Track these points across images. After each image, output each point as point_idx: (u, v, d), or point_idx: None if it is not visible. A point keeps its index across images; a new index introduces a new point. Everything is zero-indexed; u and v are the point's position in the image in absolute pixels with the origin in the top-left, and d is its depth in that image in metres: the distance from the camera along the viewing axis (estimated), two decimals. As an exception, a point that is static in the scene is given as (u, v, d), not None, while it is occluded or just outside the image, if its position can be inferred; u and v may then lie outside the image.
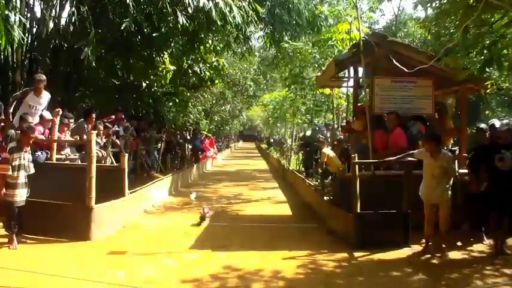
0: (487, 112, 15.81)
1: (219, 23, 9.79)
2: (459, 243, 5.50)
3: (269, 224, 7.08)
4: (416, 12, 21.25)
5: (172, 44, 10.37)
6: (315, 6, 15.10)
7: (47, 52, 9.87)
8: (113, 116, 9.79)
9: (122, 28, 8.81)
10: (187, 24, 9.62)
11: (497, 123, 6.48)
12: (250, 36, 14.78)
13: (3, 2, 7.24)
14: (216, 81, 15.11)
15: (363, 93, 7.89)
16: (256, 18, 11.42)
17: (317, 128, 15.69)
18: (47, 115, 7.00)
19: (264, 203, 9.58)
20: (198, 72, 12.92)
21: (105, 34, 9.08)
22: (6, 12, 7.01)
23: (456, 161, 6.98)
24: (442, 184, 5.09)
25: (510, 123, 6.70)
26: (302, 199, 9.54)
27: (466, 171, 6.01)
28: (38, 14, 10.16)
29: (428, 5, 5.37)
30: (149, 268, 4.57)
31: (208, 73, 13.42)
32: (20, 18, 8.82)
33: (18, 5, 9.74)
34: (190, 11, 9.68)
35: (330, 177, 8.90)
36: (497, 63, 4.54)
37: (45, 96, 6.93)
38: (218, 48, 12.66)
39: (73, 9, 8.74)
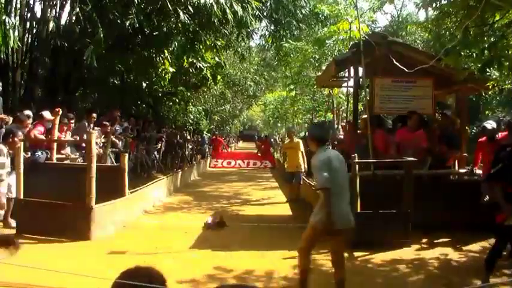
0: (487, 112, 15.79)
1: (216, 22, 9.78)
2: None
3: (269, 224, 7.07)
4: (417, 15, 21.27)
5: (172, 44, 10.37)
6: (315, 5, 15.08)
7: (47, 52, 9.88)
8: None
9: (128, 25, 8.81)
10: (188, 23, 9.61)
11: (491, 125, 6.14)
12: (253, 33, 14.71)
13: (3, 5, 7.26)
14: (219, 77, 15.05)
15: (363, 93, 7.88)
16: (259, 8, 11.32)
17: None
18: (47, 115, 7.01)
19: (264, 203, 9.58)
20: (199, 69, 12.85)
21: (106, 34, 9.08)
22: (4, 16, 7.00)
23: (457, 162, 7.02)
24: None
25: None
26: (302, 199, 9.53)
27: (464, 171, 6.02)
28: (38, 14, 10.17)
29: (429, 6, 5.36)
30: (149, 268, 4.57)
31: (208, 72, 13.39)
32: (18, 19, 8.82)
33: (18, 6, 9.75)
34: (191, 10, 9.68)
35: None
36: (497, 64, 4.54)
37: None
38: (217, 45, 12.63)
39: (77, 9, 8.73)
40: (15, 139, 5.26)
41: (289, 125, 23.23)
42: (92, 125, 8.51)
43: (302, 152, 9.10)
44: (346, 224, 3.55)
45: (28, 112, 6.83)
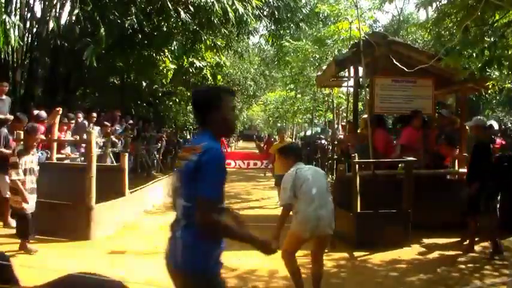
0: (487, 111, 15.80)
1: (217, 22, 9.76)
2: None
3: (269, 224, 7.06)
4: (417, 14, 21.25)
5: (173, 43, 10.36)
6: (315, 4, 15.06)
7: (47, 52, 9.88)
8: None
9: (127, 25, 8.82)
10: (188, 22, 9.59)
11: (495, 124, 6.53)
12: (253, 32, 14.66)
13: (3, 4, 7.26)
14: (219, 77, 15.00)
15: (363, 92, 7.88)
16: (259, 7, 11.28)
17: (318, 130, 15.61)
18: (43, 115, 7.03)
19: (264, 203, 9.57)
20: (199, 69, 12.81)
21: (106, 33, 9.09)
22: (4, 16, 7.00)
23: (456, 162, 7.04)
24: None
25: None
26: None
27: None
28: (38, 14, 10.17)
29: (429, 5, 5.36)
30: (149, 268, 4.57)
31: (208, 71, 13.38)
32: (18, 19, 8.82)
33: (18, 5, 9.75)
34: (192, 9, 9.67)
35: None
36: (497, 64, 4.54)
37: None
38: (217, 45, 12.60)
39: (77, 10, 8.73)
40: (35, 135, 5.14)
41: (290, 125, 23.23)
42: (92, 124, 8.53)
43: None
44: (317, 232, 3.56)
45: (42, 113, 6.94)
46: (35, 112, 7.18)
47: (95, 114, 8.93)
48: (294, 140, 18.60)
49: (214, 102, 2.03)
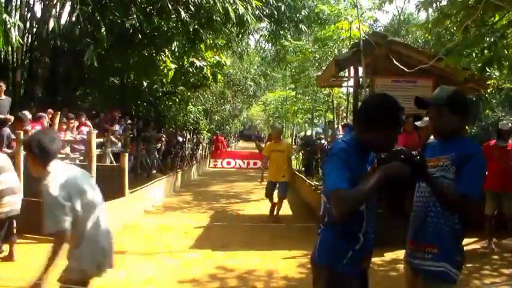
0: (487, 111, 15.76)
1: (218, 21, 9.78)
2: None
3: (269, 224, 7.08)
4: (418, 15, 21.23)
5: (173, 43, 10.38)
6: (316, 5, 15.05)
7: (47, 52, 9.89)
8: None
9: (128, 26, 8.83)
10: (189, 21, 9.61)
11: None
12: (253, 32, 14.70)
13: (3, 4, 7.27)
14: (219, 76, 14.99)
15: (363, 92, 7.88)
16: (259, 8, 11.30)
17: (319, 130, 15.59)
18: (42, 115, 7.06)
19: (264, 203, 9.56)
20: (200, 68, 12.79)
21: (106, 33, 9.10)
22: (4, 15, 7.00)
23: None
24: None
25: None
26: (302, 198, 9.54)
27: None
28: (38, 14, 10.18)
29: (429, 6, 5.37)
30: (149, 268, 4.58)
31: (209, 71, 13.37)
32: (18, 19, 8.83)
33: (18, 4, 9.77)
34: (192, 9, 9.69)
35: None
36: (497, 63, 4.54)
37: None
38: (218, 44, 12.57)
39: (77, 11, 8.74)
40: None
41: (290, 125, 23.21)
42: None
43: (290, 157, 7.76)
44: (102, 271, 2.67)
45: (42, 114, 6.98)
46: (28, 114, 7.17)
47: (72, 115, 8.76)
48: (290, 140, 18.58)
49: (368, 118, 1.92)
